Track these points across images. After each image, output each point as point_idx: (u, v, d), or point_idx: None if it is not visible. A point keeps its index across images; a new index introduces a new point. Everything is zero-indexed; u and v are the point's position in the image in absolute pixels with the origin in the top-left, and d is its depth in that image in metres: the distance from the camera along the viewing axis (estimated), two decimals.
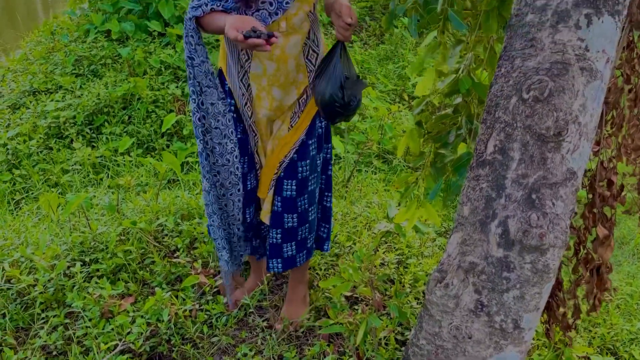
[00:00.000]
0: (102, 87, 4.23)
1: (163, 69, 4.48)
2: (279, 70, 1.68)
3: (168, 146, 3.97)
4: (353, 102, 1.61)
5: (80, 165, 3.64)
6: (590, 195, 1.49)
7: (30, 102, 4.24)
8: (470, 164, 1.20)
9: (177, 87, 4.32)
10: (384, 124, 4.35)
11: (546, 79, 1.08)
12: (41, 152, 3.78)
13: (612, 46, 1.11)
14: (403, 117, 4.74)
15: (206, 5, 1.56)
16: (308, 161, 1.79)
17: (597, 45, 1.09)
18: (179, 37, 4.86)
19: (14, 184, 3.55)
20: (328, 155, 1.91)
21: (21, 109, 4.17)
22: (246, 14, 1.57)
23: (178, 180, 3.46)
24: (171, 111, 4.13)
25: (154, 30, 4.91)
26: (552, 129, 1.07)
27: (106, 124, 4.03)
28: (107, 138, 3.93)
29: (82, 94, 4.22)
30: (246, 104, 1.76)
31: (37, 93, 4.40)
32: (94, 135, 3.99)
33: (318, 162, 1.85)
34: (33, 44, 5.40)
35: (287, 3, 1.56)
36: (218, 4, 1.57)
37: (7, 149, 3.76)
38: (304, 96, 1.78)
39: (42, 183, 3.54)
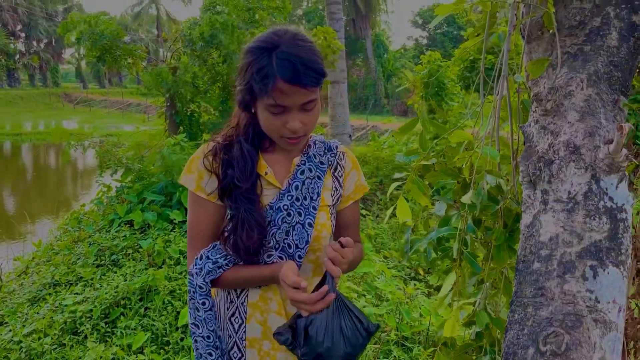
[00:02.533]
0: (120, 278, 4.30)
1: (182, 258, 4.59)
2: None
3: (182, 339, 3.90)
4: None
5: None
6: None
7: (50, 295, 4.30)
8: None
9: None
10: (401, 309, 4.28)
11: (561, 331, 1.09)
12: (54, 349, 3.73)
13: (622, 295, 1.13)
14: (419, 297, 4.68)
15: (225, 262, 1.38)
16: None
17: (607, 296, 1.11)
18: None
19: None
20: None
21: (40, 303, 4.21)
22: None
23: None
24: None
25: (175, 219, 5.13)
26: None
27: (122, 317, 4.01)
28: (121, 332, 3.88)
29: (101, 286, 4.28)
30: None
31: (57, 285, 4.47)
32: (108, 329, 3.95)
33: None
34: (60, 233, 5.64)
35: (299, 257, 1.40)
36: (229, 260, 1.39)
37: (22, 347, 3.71)
38: None
39: None
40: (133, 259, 4.65)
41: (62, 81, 57.03)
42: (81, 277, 4.49)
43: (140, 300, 4.15)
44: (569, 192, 1.19)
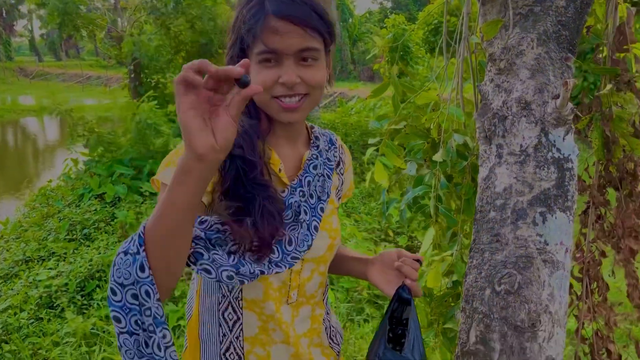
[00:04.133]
0: (94, 251, 4.32)
1: None
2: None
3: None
4: None
5: (72, 336, 3.59)
6: None
7: (23, 271, 4.29)
8: (455, 353, 1.27)
9: None
10: None
11: (514, 272, 1.20)
12: (32, 323, 3.75)
13: (568, 237, 1.24)
14: None
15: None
16: None
17: (555, 238, 1.22)
18: None
19: None
20: None
21: (13, 279, 4.20)
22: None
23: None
24: None
25: (146, 191, 5.13)
26: (527, 321, 1.15)
27: (98, 289, 4.05)
28: (98, 304, 3.93)
29: (74, 260, 4.29)
30: None
31: (29, 261, 4.46)
32: (85, 302, 3.99)
33: None
34: (28, 210, 5.57)
35: (293, 258, 1.12)
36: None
37: None
38: None
39: (32, 358, 3.46)
40: (106, 232, 4.66)
41: (15, 55, 54.77)
42: (54, 253, 4.49)
43: None
44: (521, 146, 1.28)
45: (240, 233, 1.01)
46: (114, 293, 0.90)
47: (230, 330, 1.16)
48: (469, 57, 1.74)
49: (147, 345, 0.92)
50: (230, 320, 1.16)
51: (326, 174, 1.24)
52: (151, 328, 0.90)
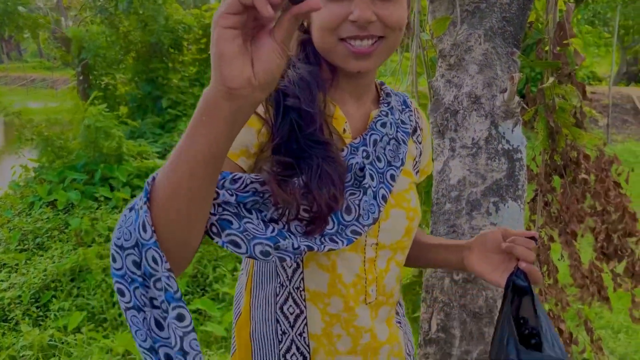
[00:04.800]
0: (48, 261, 4.19)
1: (112, 235, 4.51)
2: None
3: (120, 315, 3.88)
4: None
5: (29, 349, 3.47)
6: None
7: None
8: (418, 341, 1.30)
9: None
10: None
11: None
12: None
13: (520, 225, 1.29)
14: None
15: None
16: None
17: (508, 226, 1.27)
18: (125, 200, 4.96)
19: None
20: None
21: None
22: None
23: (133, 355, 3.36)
24: None
25: (101, 196, 5.00)
26: (484, 307, 1.20)
27: (54, 299, 3.93)
28: (55, 315, 3.81)
29: (27, 271, 4.15)
30: None
31: None
32: (41, 313, 3.87)
33: None
34: None
35: (354, 233, 0.88)
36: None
37: None
38: None
39: None
40: (60, 240, 4.52)
41: None
42: (5, 264, 4.32)
43: (72, 281, 4.07)
44: (473, 139, 1.33)
45: (284, 195, 0.78)
46: (113, 260, 0.71)
47: (292, 327, 0.94)
48: (422, 53, 1.78)
49: (160, 327, 0.73)
50: (292, 314, 0.93)
51: (400, 138, 0.98)
52: (164, 306, 0.71)
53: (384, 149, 0.95)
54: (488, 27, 1.40)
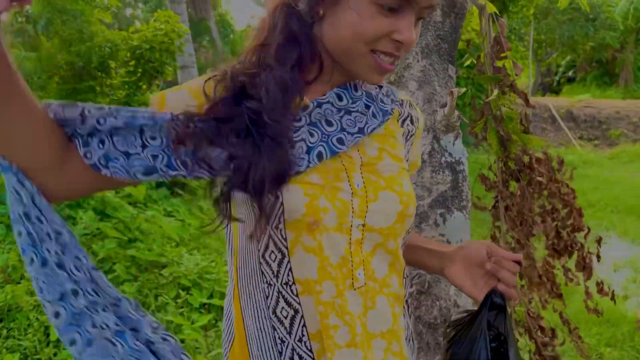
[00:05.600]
0: None
1: None
2: None
3: (55, 354, 3.66)
4: None
5: None
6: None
7: None
8: None
9: None
10: None
11: (423, 272, 1.26)
12: None
13: (467, 235, 1.34)
14: None
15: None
16: None
17: (456, 236, 1.31)
18: None
19: None
20: None
21: None
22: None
23: None
24: None
25: None
26: (439, 317, 1.22)
27: None
28: None
29: None
30: None
31: None
32: None
33: None
34: None
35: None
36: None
37: None
38: None
39: None
40: None
41: None
42: None
43: (1, 321, 3.80)
44: None
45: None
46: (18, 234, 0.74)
47: (289, 332, 0.85)
48: None
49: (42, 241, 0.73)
50: (286, 317, 0.85)
51: (372, 112, 0.90)
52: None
53: (340, 118, 0.88)
54: (424, 44, 1.45)
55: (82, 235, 3.82)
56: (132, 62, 5.99)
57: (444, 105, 1.34)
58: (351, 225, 0.85)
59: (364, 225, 0.86)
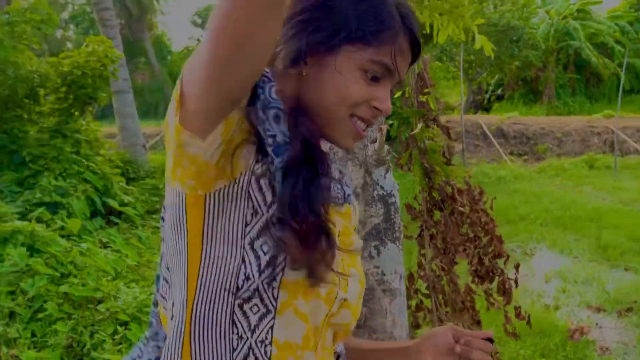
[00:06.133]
0: None
1: None
2: None
3: None
4: None
5: None
6: None
7: None
8: None
9: None
10: None
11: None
12: None
13: (400, 265, 1.38)
14: None
15: None
16: None
17: (390, 268, 1.35)
18: None
19: None
20: None
21: None
22: None
23: None
24: None
25: None
26: None
27: None
28: None
29: None
30: None
31: None
32: None
33: None
34: None
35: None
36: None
37: None
38: None
39: None
40: None
41: None
42: None
43: None
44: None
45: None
46: None
47: (251, 331, 0.76)
48: None
49: None
50: None
51: (343, 184, 0.90)
52: None
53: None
54: None
55: (9, 273, 3.62)
56: (63, 89, 5.79)
57: (374, 141, 1.39)
58: (335, 297, 0.80)
59: (345, 300, 0.82)
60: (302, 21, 0.79)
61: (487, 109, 17.62)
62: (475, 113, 16.37)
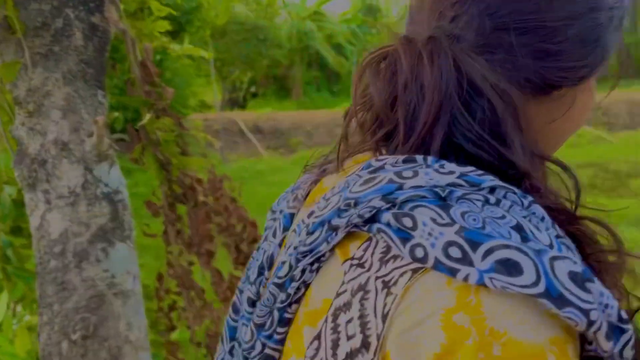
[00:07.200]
0: None
1: None
2: None
3: None
4: None
5: None
6: None
7: None
8: None
9: None
10: None
11: (87, 315, 1.18)
12: None
13: (134, 265, 1.30)
14: None
15: None
16: None
17: (121, 269, 1.26)
18: None
19: None
20: None
21: None
22: None
23: None
24: None
25: None
26: (109, 359, 1.15)
27: None
28: None
29: None
30: None
31: None
32: None
33: None
34: None
35: None
36: None
37: None
38: None
39: None
40: None
41: None
42: None
43: None
44: (69, 187, 1.26)
45: None
46: None
47: None
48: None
49: None
50: None
51: None
52: None
53: None
54: (66, 70, 1.35)
55: None
56: None
57: (90, 135, 1.27)
58: None
59: None
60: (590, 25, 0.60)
61: (242, 106, 18.20)
62: (232, 110, 16.77)
